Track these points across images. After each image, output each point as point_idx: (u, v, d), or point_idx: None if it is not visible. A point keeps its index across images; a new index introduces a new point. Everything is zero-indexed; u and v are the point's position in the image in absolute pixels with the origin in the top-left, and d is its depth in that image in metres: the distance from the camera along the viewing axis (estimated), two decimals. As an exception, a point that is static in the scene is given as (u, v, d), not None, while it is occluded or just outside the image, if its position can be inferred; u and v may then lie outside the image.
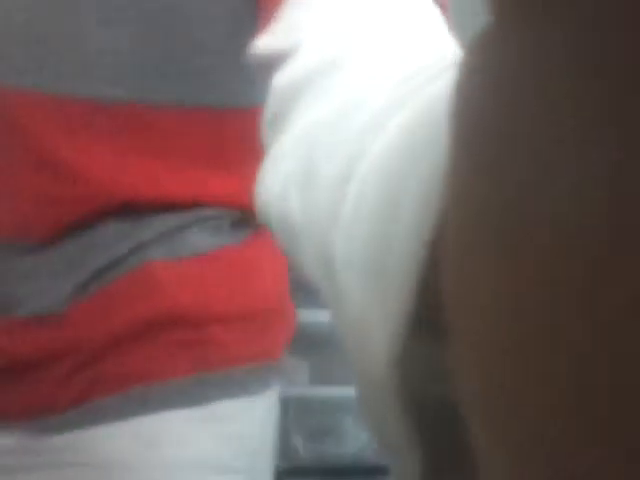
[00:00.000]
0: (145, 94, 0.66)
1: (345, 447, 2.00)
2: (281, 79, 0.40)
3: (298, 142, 0.35)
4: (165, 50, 0.66)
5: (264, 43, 0.44)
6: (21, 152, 0.65)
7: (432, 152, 0.22)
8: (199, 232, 0.67)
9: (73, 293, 0.63)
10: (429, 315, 0.23)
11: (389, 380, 0.24)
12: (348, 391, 2.09)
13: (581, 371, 0.13)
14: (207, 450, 0.62)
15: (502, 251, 0.14)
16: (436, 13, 0.39)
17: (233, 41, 0.59)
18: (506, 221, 0.14)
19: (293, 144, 0.35)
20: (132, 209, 0.65)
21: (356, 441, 2.01)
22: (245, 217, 0.67)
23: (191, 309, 0.65)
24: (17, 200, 0.65)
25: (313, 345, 2.19)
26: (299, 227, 0.32)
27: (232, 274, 0.68)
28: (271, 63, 0.42)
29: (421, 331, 0.23)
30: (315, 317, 2.13)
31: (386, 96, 0.30)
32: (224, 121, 0.68)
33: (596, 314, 0.13)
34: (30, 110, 0.64)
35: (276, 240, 0.36)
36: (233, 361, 0.65)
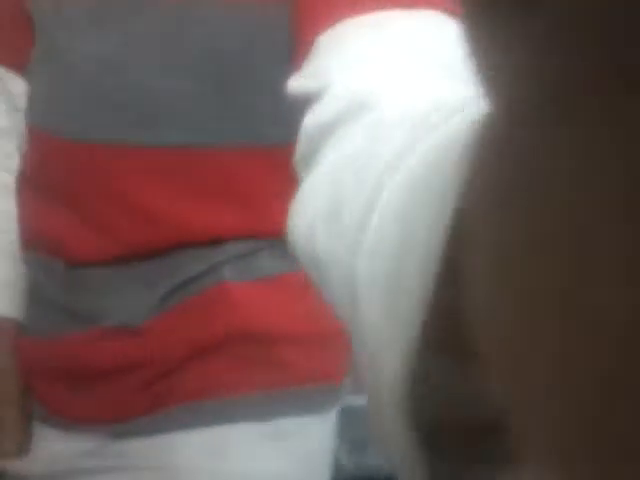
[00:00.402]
0: (212, 137, 0.69)
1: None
2: (310, 121, 0.42)
3: (325, 180, 0.36)
4: (226, 94, 0.68)
5: (297, 84, 0.48)
6: (105, 196, 0.70)
7: (442, 183, 0.24)
8: (270, 257, 0.71)
9: (152, 308, 0.68)
10: (442, 336, 0.23)
11: (396, 398, 0.25)
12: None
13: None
14: (270, 464, 0.66)
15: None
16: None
17: (283, 81, 0.60)
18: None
19: (320, 182, 0.37)
20: (210, 238, 0.70)
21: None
22: None
23: (261, 328, 0.68)
24: (103, 232, 0.70)
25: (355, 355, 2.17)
26: (324, 259, 0.34)
27: (300, 297, 0.70)
28: (303, 102, 0.45)
29: (432, 352, 0.24)
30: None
31: (403, 136, 0.31)
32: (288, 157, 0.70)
33: None
34: (110, 161, 0.69)
35: (306, 273, 0.38)
36: (299, 380, 0.69)
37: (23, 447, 0.70)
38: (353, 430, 1.90)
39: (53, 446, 0.70)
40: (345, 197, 0.33)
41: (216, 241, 0.69)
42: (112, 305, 0.68)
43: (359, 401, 1.98)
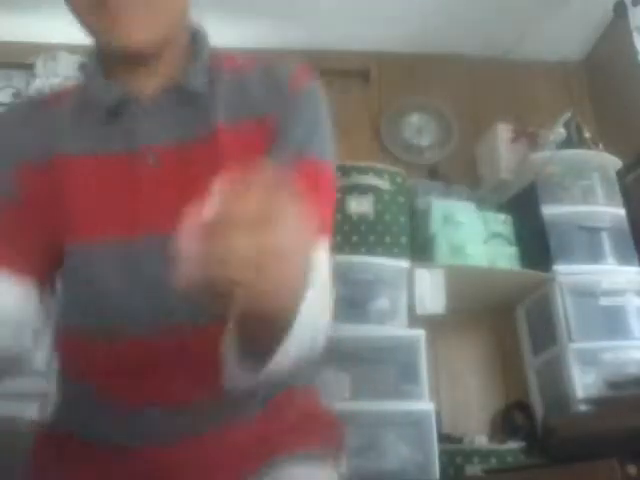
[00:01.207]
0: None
1: (386, 462, 2.00)
2: None
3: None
4: None
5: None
6: (181, 362, 0.92)
7: None
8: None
9: (249, 413, 0.96)
10: None
11: None
12: (389, 405, 2.09)
13: None
14: None
15: None
16: None
17: None
18: None
19: None
20: None
21: (397, 456, 2.01)
22: None
23: (314, 411, 1.05)
24: (195, 383, 0.93)
25: (354, 359, 2.18)
26: None
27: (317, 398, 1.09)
28: None
29: None
30: (357, 332, 2.13)
31: None
32: None
33: None
34: (177, 342, 0.90)
35: None
36: (327, 440, 1.03)
37: None
38: (351, 435, 1.91)
39: None
40: None
41: None
42: (226, 416, 0.95)
43: (356, 406, 1.98)
